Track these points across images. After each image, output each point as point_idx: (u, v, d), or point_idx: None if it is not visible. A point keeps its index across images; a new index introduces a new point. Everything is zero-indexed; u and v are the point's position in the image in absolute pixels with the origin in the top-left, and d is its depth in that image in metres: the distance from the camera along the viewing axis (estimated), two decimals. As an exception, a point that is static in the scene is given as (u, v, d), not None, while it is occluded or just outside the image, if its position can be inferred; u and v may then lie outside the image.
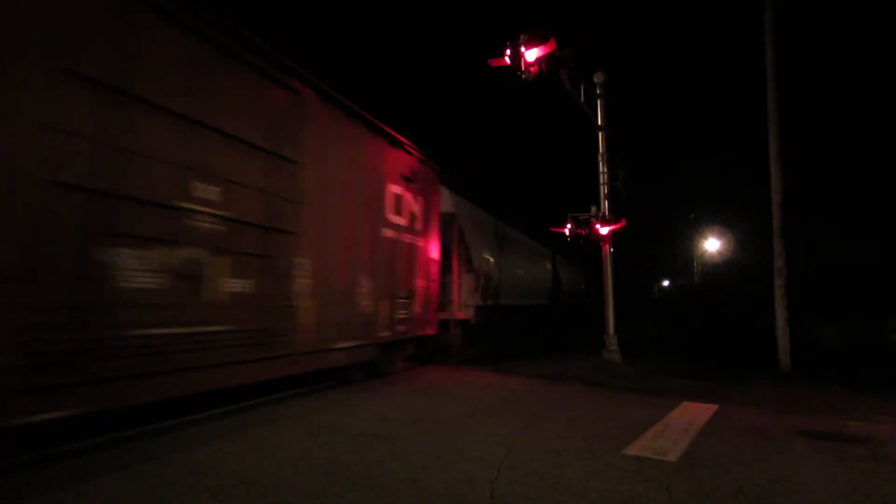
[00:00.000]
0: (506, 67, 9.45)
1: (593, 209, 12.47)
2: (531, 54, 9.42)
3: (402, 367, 10.99)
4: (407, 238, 10.17)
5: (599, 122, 12.58)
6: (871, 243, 20.26)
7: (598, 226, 11.96)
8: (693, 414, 7.25)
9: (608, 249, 12.41)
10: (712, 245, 33.53)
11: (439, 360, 12.30)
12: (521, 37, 9.38)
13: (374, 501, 4.04)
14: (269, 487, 4.26)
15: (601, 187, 12.53)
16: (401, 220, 9.92)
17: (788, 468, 5.02)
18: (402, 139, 9.90)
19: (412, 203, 10.37)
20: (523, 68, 9.53)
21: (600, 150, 12.60)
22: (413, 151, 10.38)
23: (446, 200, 12.88)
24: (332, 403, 7.58)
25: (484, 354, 14.17)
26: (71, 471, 4.56)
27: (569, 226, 12.17)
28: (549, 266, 25.35)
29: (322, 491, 4.22)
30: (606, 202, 12.45)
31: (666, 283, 49.34)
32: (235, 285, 5.94)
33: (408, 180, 10.13)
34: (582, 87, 12.10)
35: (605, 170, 12.57)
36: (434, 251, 11.42)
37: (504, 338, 17.77)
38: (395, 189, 9.74)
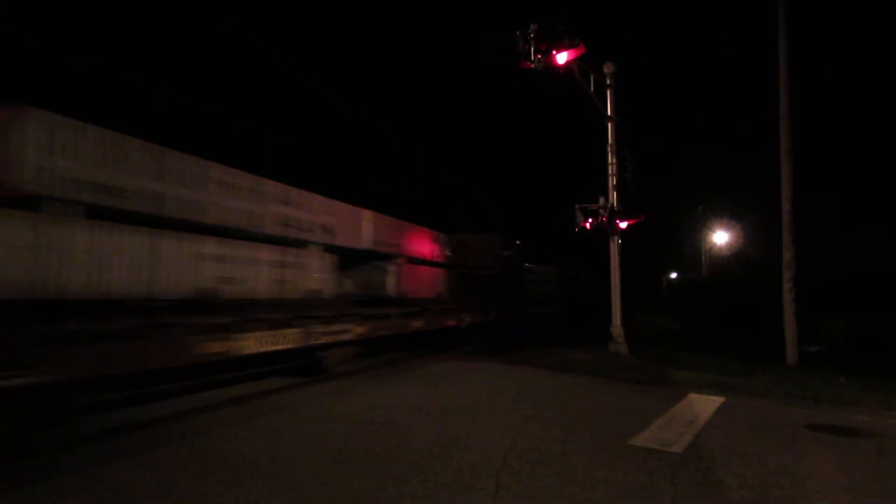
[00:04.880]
0: (509, 57, 9.57)
1: (601, 200, 12.38)
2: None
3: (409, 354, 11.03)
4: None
5: (609, 113, 12.48)
6: (881, 239, 20.06)
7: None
8: (699, 406, 7.25)
9: (616, 241, 12.37)
10: (721, 238, 33.31)
11: None
12: (531, 26, 9.37)
13: (380, 488, 4.09)
14: (276, 474, 4.31)
15: (609, 178, 12.44)
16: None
17: (793, 461, 5.02)
18: None
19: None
20: (533, 58, 9.54)
21: (609, 141, 12.50)
22: None
23: None
24: (339, 392, 7.64)
25: (494, 345, 14.22)
26: (83, 457, 4.64)
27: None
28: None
29: (329, 478, 4.27)
30: (615, 193, 12.37)
31: (674, 275, 49.13)
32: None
33: None
34: (592, 77, 11.99)
35: (614, 160, 12.47)
36: None
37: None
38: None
